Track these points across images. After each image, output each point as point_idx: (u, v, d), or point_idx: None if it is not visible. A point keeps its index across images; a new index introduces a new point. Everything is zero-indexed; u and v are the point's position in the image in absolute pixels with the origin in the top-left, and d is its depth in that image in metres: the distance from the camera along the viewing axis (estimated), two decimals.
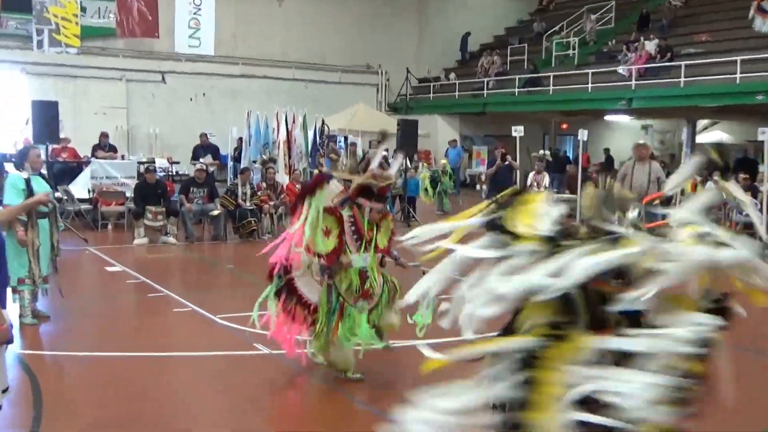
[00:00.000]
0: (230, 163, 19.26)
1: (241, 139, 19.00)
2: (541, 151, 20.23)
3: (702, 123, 26.97)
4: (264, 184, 15.21)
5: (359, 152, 18.43)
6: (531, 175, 18.44)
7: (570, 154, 28.04)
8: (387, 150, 21.09)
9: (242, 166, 17.13)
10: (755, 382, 6.69)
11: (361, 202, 6.11)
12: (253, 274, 11.45)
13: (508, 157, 16.41)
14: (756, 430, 5.46)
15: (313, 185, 6.07)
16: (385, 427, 3.03)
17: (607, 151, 27.72)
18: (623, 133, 29.93)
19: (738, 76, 19.57)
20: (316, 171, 15.93)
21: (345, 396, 6.10)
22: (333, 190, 6.17)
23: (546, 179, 18.10)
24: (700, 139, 26.63)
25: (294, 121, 18.17)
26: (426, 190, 19.84)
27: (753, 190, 16.79)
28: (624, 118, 28.18)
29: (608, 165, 24.90)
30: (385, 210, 6.31)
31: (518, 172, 18.17)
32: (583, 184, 19.41)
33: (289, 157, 17.84)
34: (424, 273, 5.92)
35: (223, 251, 14.08)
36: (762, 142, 16.20)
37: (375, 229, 6.16)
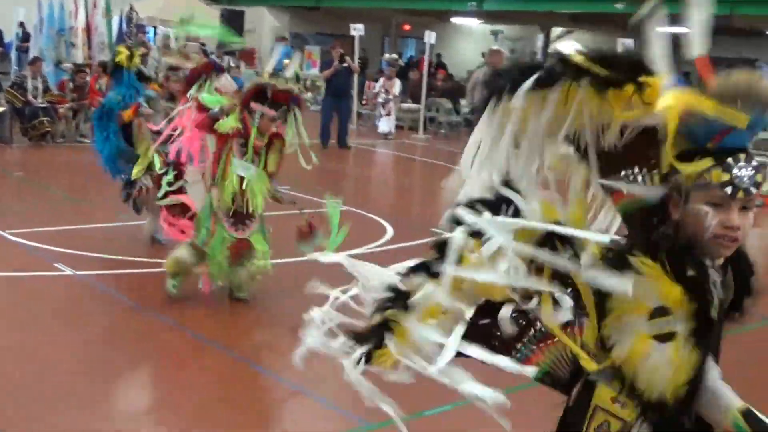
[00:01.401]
0: (14, 52, 18.26)
1: (22, 24, 18.00)
2: (387, 54, 20.34)
3: (556, 31, 27.84)
4: (72, 84, 14.63)
5: (173, 46, 17.89)
6: (381, 81, 18.58)
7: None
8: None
9: (32, 55, 16.24)
10: None
11: (252, 106, 5.99)
12: (46, 184, 11.03)
13: (347, 59, 16.37)
14: None
15: (200, 71, 5.94)
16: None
17: (438, 56, 28.20)
18: (470, 38, 30.50)
19: None
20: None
21: (158, 319, 6.04)
22: (226, 86, 6.12)
23: (397, 86, 18.30)
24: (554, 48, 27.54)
25: (95, 6, 17.36)
26: None
27: None
28: (473, 22, 28.67)
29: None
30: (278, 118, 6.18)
31: (356, 76, 18.18)
32: (429, 93, 19.75)
33: (89, 48, 17.09)
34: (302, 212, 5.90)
35: (9, 156, 13.38)
36: None
37: (267, 143, 6.09)
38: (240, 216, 6.12)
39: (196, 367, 5.33)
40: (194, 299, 6.34)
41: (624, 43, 15.63)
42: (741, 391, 2.10)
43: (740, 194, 1.94)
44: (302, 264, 7.09)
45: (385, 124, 18.16)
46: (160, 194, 6.78)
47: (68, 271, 6.89)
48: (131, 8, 18.39)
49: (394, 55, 19.89)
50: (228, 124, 5.92)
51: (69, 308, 6.23)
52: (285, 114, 5.97)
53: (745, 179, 1.93)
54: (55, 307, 6.20)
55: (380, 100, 18.39)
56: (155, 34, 21.03)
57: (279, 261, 6.42)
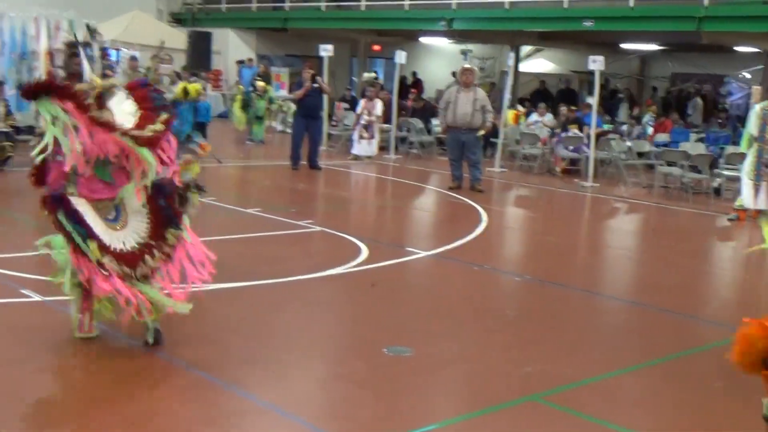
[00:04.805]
0: None
1: None
2: (366, 74, 20.33)
3: (525, 50, 28.05)
4: None
5: (140, 69, 17.87)
6: (362, 102, 18.49)
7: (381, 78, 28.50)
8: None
9: None
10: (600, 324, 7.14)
11: None
12: (9, 209, 10.90)
13: (319, 79, 16.33)
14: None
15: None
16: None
17: (414, 74, 28.56)
18: (440, 57, 30.63)
19: None
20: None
21: (131, 343, 5.92)
22: None
23: (379, 107, 18.17)
24: (524, 67, 27.72)
25: (58, 29, 17.27)
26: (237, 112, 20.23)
27: (579, 123, 17.77)
28: (441, 42, 28.81)
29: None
30: None
31: (326, 97, 18.14)
32: (401, 112, 19.76)
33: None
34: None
35: None
36: (589, 72, 17.11)
37: None
38: None
39: (172, 390, 5.23)
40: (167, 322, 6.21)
41: (594, 60, 15.76)
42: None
43: None
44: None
45: (365, 148, 18.06)
46: None
47: (37, 297, 6.76)
48: (96, 30, 18.27)
49: (372, 74, 19.80)
50: None
51: (39, 335, 6.09)
52: None
53: None
54: (24, 334, 6.06)
55: (362, 122, 18.11)
56: (118, 57, 20.91)
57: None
